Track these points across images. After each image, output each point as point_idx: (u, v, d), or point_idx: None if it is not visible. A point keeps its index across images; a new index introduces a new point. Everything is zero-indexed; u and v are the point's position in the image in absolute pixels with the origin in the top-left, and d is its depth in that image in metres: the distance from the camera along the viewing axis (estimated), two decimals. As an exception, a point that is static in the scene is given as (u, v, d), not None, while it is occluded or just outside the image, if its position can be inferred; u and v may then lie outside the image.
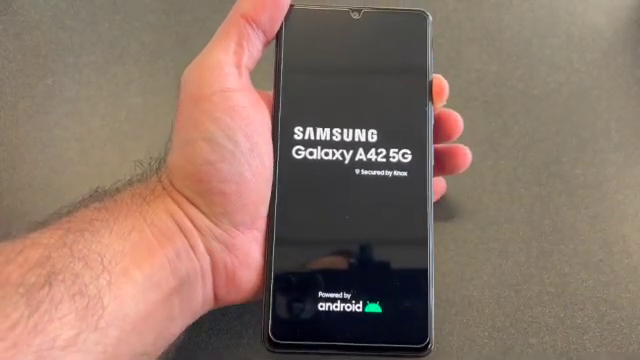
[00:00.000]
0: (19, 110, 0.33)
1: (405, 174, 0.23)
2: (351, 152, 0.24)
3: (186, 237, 0.22)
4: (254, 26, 0.23)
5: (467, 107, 0.34)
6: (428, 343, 0.22)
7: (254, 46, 0.23)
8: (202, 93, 0.23)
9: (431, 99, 0.24)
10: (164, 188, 0.23)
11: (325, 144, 0.24)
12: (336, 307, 0.22)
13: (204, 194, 0.22)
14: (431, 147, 0.24)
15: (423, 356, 0.22)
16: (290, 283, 0.23)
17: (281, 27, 0.24)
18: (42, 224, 0.21)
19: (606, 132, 0.34)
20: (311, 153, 0.24)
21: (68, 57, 0.35)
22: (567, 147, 0.33)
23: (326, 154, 0.24)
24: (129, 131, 0.33)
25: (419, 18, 0.25)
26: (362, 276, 0.23)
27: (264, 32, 0.24)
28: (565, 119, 0.34)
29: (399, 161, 0.24)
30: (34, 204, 0.31)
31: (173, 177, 0.23)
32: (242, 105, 0.23)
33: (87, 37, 0.35)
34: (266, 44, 0.24)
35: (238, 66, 0.23)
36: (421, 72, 0.24)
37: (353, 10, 0.25)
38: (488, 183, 0.32)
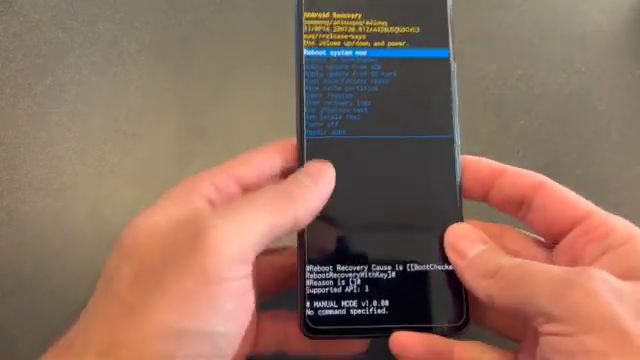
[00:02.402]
0: (19, 110, 0.33)
1: (434, 157, 0.23)
2: (377, 134, 0.24)
3: None
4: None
5: (467, 107, 0.34)
6: (464, 319, 0.22)
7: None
8: (219, 273, 0.18)
9: (455, 79, 0.24)
10: None
11: (350, 125, 0.24)
12: (371, 290, 0.22)
13: None
14: (457, 124, 0.24)
15: (461, 334, 0.22)
16: (325, 268, 0.22)
17: (300, 11, 0.24)
18: None
19: (606, 132, 0.34)
20: (337, 137, 0.23)
21: (68, 57, 0.35)
22: (567, 147, 0.33)
23: (351, 137, 0.23)
24: (129, 131, 0.33)
25: None
26: (396, 257, 0.23)
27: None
28: (565, 119, 0.34)
29: (427, 139, 0.24)
30: (34, 204, 0.31)
31: None
32: (252, 295, 0.19)
33: (87, 37, 0.35)
34: None
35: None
36: (443, 51, 0.24)
37: None
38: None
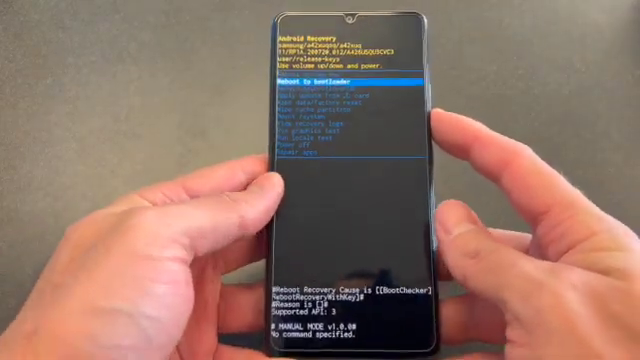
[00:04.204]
0: (19, 110, 0.33)
1: (406, 177, 0.23)
2: (348, 154, 0.23)
3: None
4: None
5: (467, 107, 0.34)
6: (434, 346, 0.22)
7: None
8: (146, 250, 0.17)
9: (429, 101, 0.24)
10: None
11: (322, 146, 0.24)
12: (338, 313, 0.22)
13: None
14: (431, 148, 0.24)
15: (430, 358, 0.22)
16: (291, 290, 0.22)
17: (275, 35, 0.24)
18: None
19: (606, 132, 0.34)
20: (308, 157, 0.23)
21: (68, 57, 0.35)
22: (567, 147, 0.33)
23: (322, 157, 0.23)
24: (129, 131, 0.33)
25: (414, 20, 0.25)
26: (365, 280, 0.22)
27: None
28: (565, 119, 0.34)
29: (400, 160, 0.23)
30: (34, 204, 0.31)
31: (42, 351, 0.16)
32: (189, 286, 0.19)
33: (87, 37, 0.35)
34: None
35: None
36: (417, 74, 0.24)
37: (347, 15, 0.25)
38: (488, 183, 0.32)
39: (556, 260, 0.19)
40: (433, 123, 0.23)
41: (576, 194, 0.20)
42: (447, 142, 0.23)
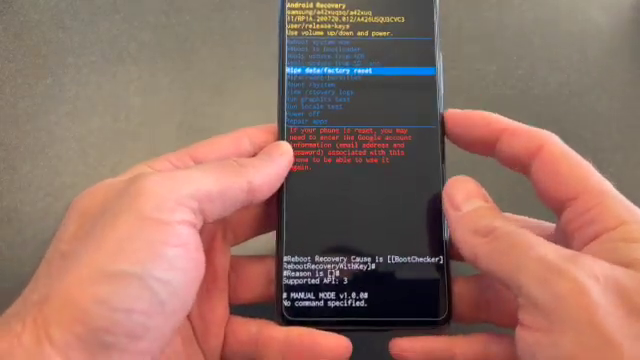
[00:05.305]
0: (19, 110, 0.33)
1: (417, 147, 0.23)
2: (358, 123, 0.23)
3: None
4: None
5: (467, 107, 0.34)
6: (446, 315, 0.22)
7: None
8: (155, 214, 0.17)
9: (440, 70, 0.24)
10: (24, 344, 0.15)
11: (332, 115, 0.23)
12: (349, 282, 0.22)
13: (94, 348, 0.16)
14: (442, 118, 0.23)
15: (442, 329, 0.22)
16: (303, 259, 0.22)
17: (283, 1, 0.24)
18: None
19: (606, 132, 0.34)
20: (319, 123, 0.23)
21: (68, 57, 0.35)
22: (567, 147, 0.33)
23: (332, 126, 0.23)
24: (129, 131, 0.33)
25: None
26: (376, 249, 0.22)
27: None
28: (565, 119, 0.34)
29: (410, 129, 0.23)
30: (34, 204, 0.31)
31: (54, 318, 0.16)
32: (199, 251, 0.18)
33: (87, 37, 0.35)
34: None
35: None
36: (428, 42, 0.24)
37: None
38: (488, 184, 0.32)
39: (582, 248, 0.18)
40: (450, 125, 0.23)
41: (606, 183, 0.19)
42: (469, 139, 0.22)
